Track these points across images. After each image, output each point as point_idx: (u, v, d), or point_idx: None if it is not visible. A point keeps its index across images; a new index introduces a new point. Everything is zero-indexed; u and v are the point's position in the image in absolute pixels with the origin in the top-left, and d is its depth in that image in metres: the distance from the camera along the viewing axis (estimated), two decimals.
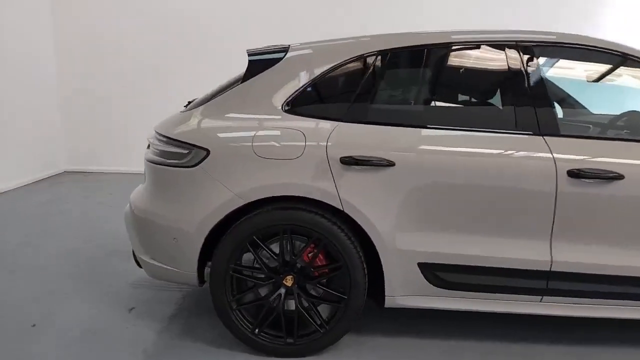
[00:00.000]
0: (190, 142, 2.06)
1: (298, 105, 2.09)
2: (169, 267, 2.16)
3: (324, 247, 2.03)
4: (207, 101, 2.24)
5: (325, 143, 1.99)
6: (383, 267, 2.02)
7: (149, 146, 2.47)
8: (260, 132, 2.03)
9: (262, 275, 2.11)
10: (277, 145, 2.02)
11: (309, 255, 2.06)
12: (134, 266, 3.08)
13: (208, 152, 2.03)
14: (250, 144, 2.01)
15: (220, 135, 2.09)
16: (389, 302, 2.09)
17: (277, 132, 2.05)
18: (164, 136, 2.16)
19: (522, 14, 5.46)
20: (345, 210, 1.98)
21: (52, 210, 4.42)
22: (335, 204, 1.97)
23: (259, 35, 5.86)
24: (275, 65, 2.15)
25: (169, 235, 2.10)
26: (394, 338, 2.31)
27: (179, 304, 2.64)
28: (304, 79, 2.10)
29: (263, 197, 1.99)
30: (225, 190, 2.00)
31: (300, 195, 1.98)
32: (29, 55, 5.55)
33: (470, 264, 2.01)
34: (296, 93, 2.09)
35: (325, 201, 1.97)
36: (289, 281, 2.10)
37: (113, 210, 4.38)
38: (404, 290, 2.07)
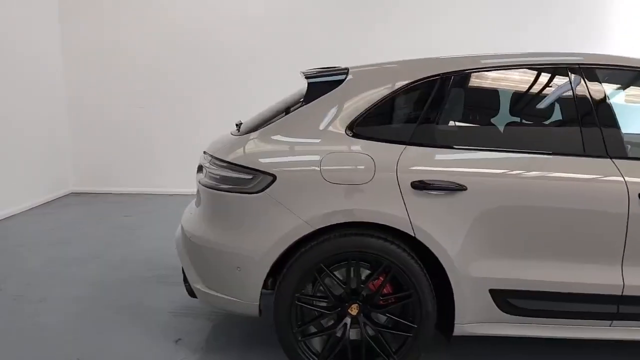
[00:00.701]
0: (255, 167, 2.01)
1: (363, 128, 2.05)
2: (229, 297, 2.08)
3: (392, 275, 1.98)
4: (264, 124, 2.20)
5: (395, 167, 1.95)
6: (454, 294, 1.97)
7: (200, 169, 2.41)
8: (328, 157, 1.99)
9: (328, 305, 2.05)
10: (347, 170, 1.98)
11: (373, 283, 2.01)
12: (170, 293, 3.02)
13: (274, 177, 1.98)
14: (318, 168, 1.97)
15: (286, 160, 2.05)
16: (457, 331, 2.03)
17: (346, 157, 2.01)
18: (225, 161, 2.10)
19: (530, 33, 5.56)
20: (417, 237, 1.93)
21: (69, 235, 4.28)
22: (407, 230, 1.93)
23: (276, 56, 5.93)
24: (337, 88, 2.12)
25: (232, 264, 2.03)
26: None
27: (225, 333, 2.54)
28: (367, 101, 2.07)
29: (332, 223, 1.94)
30: (293, 216, 1.95)
31: (371, 221, 1.94)
32: (38, 68, 5.46)
33: (542, 289, 1.98)
34: (360, 116, 2.05)
35: (397, 227, 1.93)
36: (354, 310, 2.03)
37: (134, 234, 4.27)
38: (474, 317, 2.02)
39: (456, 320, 2.01)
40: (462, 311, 1.99)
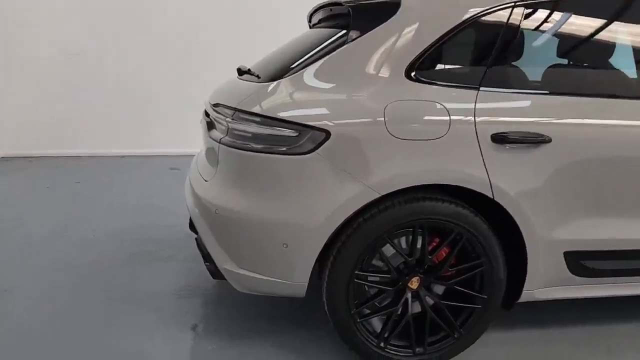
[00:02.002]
0: (303, 122, 1.62)
1: (425, 69, 1.71)
2: (271, 279, 1.73)
3: (463, 243, 1.74)
4: (294, 68, 1.79)
5: (473, 117, 1.66)
6: (528, 259, 1.78)
7: (211, 125, 1.96)
8: (392, 107, 1.64)
9: (390, 280, 1.78)
10: (417, 122, 1.65)
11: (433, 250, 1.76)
12: (163, 272, 2.61)
13: (327, 134, 1.61)
14: (382, 120, 1.62)
15: (340, 111, 1.67)
16: (525, 297, 1.87)
17: (413, 106, 1.67)
18: (258, 115, 1.68)
19: None
20: (496, 199, 1.69)
21: (15, 210, 3.59)
22: (485, 191, 1.67)
23: None
24: (390, 20, 1.73)
25: (276, 240, 1.67)
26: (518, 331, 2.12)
27: (244, 313, 2.21)
28: (429, 36, 1.70)
29: (403, 187, 1.63)
30: (353, 181, 1.61)
31: (448, 183, 1.66)
32: None
33: (616, 248, 1.85)
34: (422, 54, 1.69)
35: (474, 189, 1.67)
36: (414, 283, 1.79)
37: (94, 204, 3.67)
38: (544, 282, 1.85)
39: (525, 287, 1.84)
40: (533, 276, 1.82)
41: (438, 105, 1.66)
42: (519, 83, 1.78)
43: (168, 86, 5.14)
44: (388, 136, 1.61)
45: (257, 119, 1.69)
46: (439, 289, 1.86)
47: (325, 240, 1.65)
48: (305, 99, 1.71)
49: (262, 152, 1.66)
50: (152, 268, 2.64)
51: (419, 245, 1.73)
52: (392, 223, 1.66)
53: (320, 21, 2.25)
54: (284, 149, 1.64)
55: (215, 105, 1.97)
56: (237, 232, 1.74)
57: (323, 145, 1.60)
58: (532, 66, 1.85)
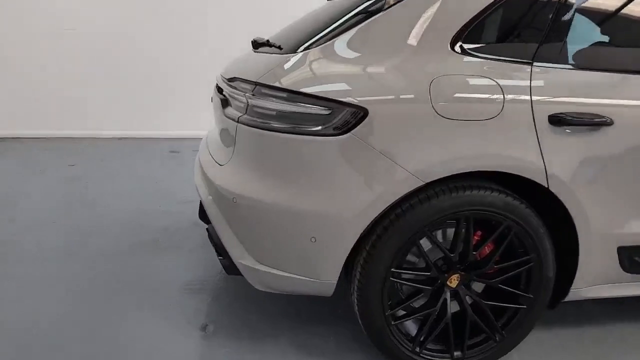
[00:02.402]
0: (337, 98, 1.41)
1: (473, 40, 1.50)
2: (296, 276, 1.54)
3: (511, 238, 1.56)
4: (325, 37, 1.57)
5: (529, 95, 1.46)
6: (580, 255, 1.60)
7: (226, 103, 1.75)
8: (439, 82, 1.43)
9: (429, 278, 1.60)
10: (468, 100, 1.45)
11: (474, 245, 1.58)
12: (169, 263, 2.42)
13: (365, 112, 1.40)
14: (428, 97, 1.42)
15: (380, 87, 1.46)
16: (572, 296, 1.70)
17: (462, 82, 1.46)
18: (284, 90, 1.47)
19: None
20: (551, 188, 1.50)
21: (4, 194, 3.37)
22: (539, 179, 1.48)
23: None
24: None
25: (303, 233, 1.48)
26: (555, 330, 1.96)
27: (259, 311, 2.01)
28: (478, 1, 1.50)
29: (451, 174, 1.43)
30: (393, 166, 1.41)
31: (501, 170, 1.46)
32: None
33: None
34: (470, 23, 1.47)
35: (529, 177, 1.47)
36: (453, 281, 1.61)
37: (90, 189, 3.44)
38: (593, 279, 1.68)
39: (574, 285, 1.67)
40: (583, 274, 1.64)
41: (490, 82, 1.45)
42: (578, 58, 1.57)
43: (167, 64, 4.87)
44: (434, 115, 1.41)
45: (283, 95, 1.48)
46: (478, 287, 1.69)
47: (359, 234, 1.46)
48: (338, 72, 1.49)
49: (287, 132, 1.46)
50: (156, 259, 2.44)
51: (461, 240, 1.55)
52: (435, 215, 1.46)
53: None
54: (314, 129, 1.43)
55: (231, 80, 1.75)
56: (259, 223, 1.54)
57: (359, 125, 1.40)
58: (592, 40, 1.64)
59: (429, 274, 1.57)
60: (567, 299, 1.71)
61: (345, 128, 1.41)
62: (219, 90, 1.92)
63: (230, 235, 1.62)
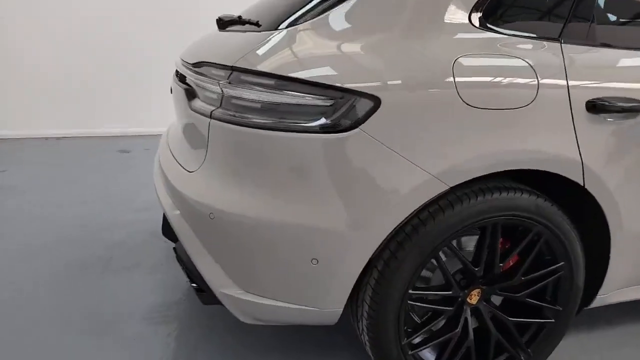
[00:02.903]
0: (341, 85, 1.13)
1: (494, 15, 1.25)
2: (292, 306, 1.25)
3: (540, 245, 1.34)
4: (316, 9, 1.27)
5: (564, 80, 1.24)
6: (611, 258, 1.42)
7: (192, 94, 1.42)
8: (462, 63, 1.17)
9: (449, 296, 1.35)
10: (497, 84, 1.19)
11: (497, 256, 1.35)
12: (128, 285, 2.05)
13: (376, 102, 1.13)
14: (452, 81, 1.16)
15: (395, 69, 1.17)
16: (597, 302, 1.52)
17: (490, 63, 1.21)
18: (273, 76, 1.16)
19: None
20: (587, 186, 1.29)
21: None
22: (576, 177, 1.27)
23: None
24: None
25: (302, 254, 1.18)
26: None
27: (239, 343, 1.71)
28: None
29: (479, 174, 1.19)
30: (412, 168, 1.14)
31: (537, 168, 1.23)
32: None
33: None
34: None
35: (564, 174, 1.26)
36: (474, 297, 1.38)
37: (30, 199, 2.95)
38: (620, 284, 1.51)
39: (601, 291, 1.49)
40: (612, 279, 1.47)
41: (520, 62, 1.22)
42: (613, 37, 1.37)
43: (110, 56, 4.36)
44: (460, 104, 1.15)
45: (269, 82, 1.17)
46: (496, 300, 1.47)
47: (372, 253, 1.19)
48: (338, 52, 1.19)
49: (276, 129, 1.15)
50: (111, 282, 2.04)
51: (486, 250, 1.32)
52: (459, 224, 1.21)
53: None
54: (311, 124, 1.13)
55: (197, 65, 1.42)
56: (243, 244, 1.22)
57: (370, 118, 1.12)
58: (629, 15, 1.44)
59: (450, 292, 1.33)
60: (592, 305, 1.54)
61: (351, 122, 1.13)
62: (181, 78, 1.57)
63: (206, 259, 1.30)
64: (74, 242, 2.38)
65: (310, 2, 1.33)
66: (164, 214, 1.62)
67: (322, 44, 1.21)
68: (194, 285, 1.42)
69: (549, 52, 1.25)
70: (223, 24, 1.61)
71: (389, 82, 1.14)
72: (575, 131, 1.24)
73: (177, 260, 1.50)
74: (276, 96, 1.16)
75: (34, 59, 4.23)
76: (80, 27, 4.24)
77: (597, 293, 1.49)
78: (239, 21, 1.50)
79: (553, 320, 1.44)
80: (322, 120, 1.13)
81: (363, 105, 1.12)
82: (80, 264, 2.18)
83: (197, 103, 1.37)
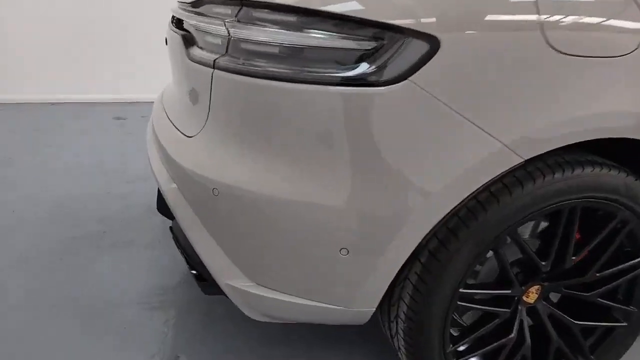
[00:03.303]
0: (387, 21, 0.84)
1: None
2: (313, 303, 1.00)
3: (626, 235, 1.09)
4: None
5: None
6: None
7: (190, 41, 1.14)
8: None
9: (496, 297, 1.11)
10: (595, 26, 0.91)
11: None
12: (122, 265, 1.84)
13: (434, 44, 0.84)
14: (536, 20, 0.86)
15: (457, 2, 0.87)
16: None
17: None
18: (296, 9, 0.87)
19: None
20: None
21: None
22: None
23: None
24: None
25: (329, 242, 0.93)
26: None
27: (242, 333, 1.49)
28: None
29: (566, 144, 0.92)
30: (478, 134, 0.87)
31: (628, 136, 0.97)
32: None
33: None
34: None
35: None
36: (532, 295, 1.14)
37: (21, 167, 2.68)
38: None
39: None
40: None
41: None
42: None
43: (103, 16, 4.02)
44: (546, 50, 0.87)
45: (291, 18, 0.89)
46: (554, 297, 1.23)
47: (420, 240, 0.94)
48: None
49: (299, 81, 0.88)
50: (102, 261, 1.81)
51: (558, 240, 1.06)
52: (529, 208, 0.95)
53: None
54: (345, 74, 0.86)
55: (196, 3, 1.14)
56: (256, 228, 0.97)
57: (425, 66, 0.84)
58: None
59: (509, 291, 1.08)
60: None
61: (400, 72, 0.85)
62: (178, 24, 1.29)
63: (209, 243, 1.04)
64: (66, 216, 2.14)
65: None
66: (158, 188, 1.37)
67: None
68: (194, 272, 1.18)
69: None
70: None
71: (450, 18, 0.85)
72: None
73: (174, 241, 1.26)
74: (298, 37, 0.88)
75: (22, 27, 3.91)
76: None
77: None
78: None
79: (625, 324, 1.20)
80: (359, 70, 0.85)
81: (415, 49, 0.84)
82: (72, 239, 1.95)
83: (196, 51, 1.09)
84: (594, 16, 0.91)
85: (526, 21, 0.87)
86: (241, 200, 0.96)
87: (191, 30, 1.15)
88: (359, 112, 0.87)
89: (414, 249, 0.94)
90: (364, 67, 0.86)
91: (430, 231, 0.92)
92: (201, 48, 1.08)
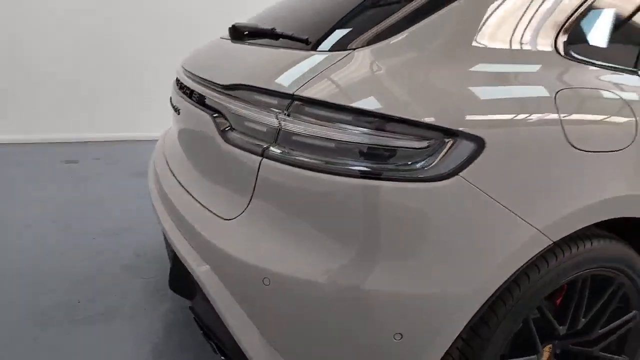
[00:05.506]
0: (440, 125, 0.92)
1: (577, 43, 1.13)
2: None
3: (620, 296, 1.24)
4: (383, 29, 1.05)
5: None
6: None
7: (225, 131, 1.14)
8: (568, 97, 1.02)
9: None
10: (601, 123, 1.06)
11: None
12: (104, 345, 1.65)
13: (480, 144, 0.93)
14: (557, 118, 0.99)
15: (496, 105, 0.97)
16: None
17: (594, 96, 1.08)
18: (353, 110, 0.92)
19: None
20: None
21: None
22: None
23: None
24: None
25: (384, 328, 0.95)
26: None
27: None
28: None
29: (585, 225, 1.04)
30: (517, 221, 0.96)
31: (637, 215, 1.11)
32: None
33: None
34: (574, 18, 1.10)
35: None
36: (545, 355, 1.24)
37: None
38: None
39: None
40: None
41: (615, 97, 1.10)
42: None
43: (50, 44, 3.79)
44: (565, 145, 1.00)
45: (347, 117, 0.94)
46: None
47: (467, 322, 1.00)
48: (426, 84, 0.97)
49: (356, 176, 0.93)
50: (84, 337, 1.66)
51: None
52: (554, 282, 1.07)
53: None
54: (401, 170, 0.93)
55: (231, 87, 1.15)
56: (310, 317, 0.98)
57: (473, 163, 0.93)
58: None
59: (534, 356, 1.18)
60: None
61: (451, 168, 0.93)
62: (204, 103, 1.28)
63: (253, 333, 1.03)
64: (29, 285, 1.93)
65: (375, 14, 1.11)
66: (174, 261, 1.31)
67: (405, 73, 0.98)
68: (223, 358, 1.14)
69: (632, 84, 1.15)
70: (240, 34, 1.35)
71: (491, 119, 0.95)
72: None
73: (197, 324, 1.21)
74: (356, 136, 0.93)
75: None
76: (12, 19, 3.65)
77: None
78: (272, 34, 1.24)
79: None
80: (413, 166, 0.92)
81: (465, 148, 0.93)
82: (41, 313, 1.76)
83: (235, 135, 1.10)
84: (599, 113, 1.07)
85: (549, 118, 0.99)
86: (294, 290, 0.97)
87: (224, 112, 1.15)
88: (413, 205, 0.93)
89: (461, 330, 1.00)
90: (418, 164, 0.92)
91: (477, 312, 1.00)
92: (242, 133, 1.08)
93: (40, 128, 3.84)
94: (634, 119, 1.09)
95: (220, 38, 1.62)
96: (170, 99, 1.64)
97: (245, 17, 1.63)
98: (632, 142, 1.08)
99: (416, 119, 0.91)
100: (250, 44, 1.34)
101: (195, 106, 1.28)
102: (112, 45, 3.88)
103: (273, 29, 1.26)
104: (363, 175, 0.92)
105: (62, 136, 3.87)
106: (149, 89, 4.05)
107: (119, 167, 3.46)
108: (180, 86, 1.46)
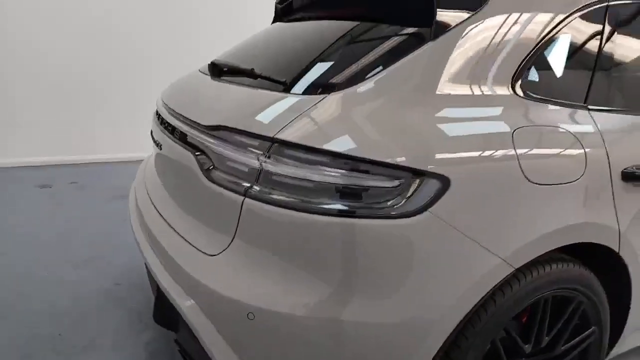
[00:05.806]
0: (409, 165, 1.00)
1: (532, 82, 1.22)
2: None
3: (580, 314, 1.33)
4: (358, 74, 1.14)
5: (604, 149, 1.24)
6: (630, 316, 1.46)
7: (208, 170, 1.19)
8: (521, 136, 1.12)
9: None
10: (553, 158, 1.16)
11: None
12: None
13: (445, 182, 1.02)
14: (514, 154, 1.09)
15: (459, 144, 1.06)
16: (611, 355, 1.56)
17: (542, 135, 1.17)
18: (329, 153, 0.99)
19: None
20: (621, 253, 1.30)
21: None
22: (614, 245, 1.28)
23: None
24: (477, 15, 1.20)
25: (368, 356, 1.02)
26: None
27: None
28: (538, 31, 1.21)
29: (543, 252, 1.13)
30: (482, 252, 1.05)
31: (588, 241, 1.21)
32: None
33: None
34: (526, 62, 1.20)
35: (607, 244, 1.26)
36: None
37: None
38: (632, 334, 1.57)
39: (615, 348, 1.53)
40: (627, 334, 1.51)
41: (568, 132, 1.20)
42: (635, 101, 1.42)
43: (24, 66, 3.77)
44: (522, 179, 1.09)
45: (324, 159, 1.01)
46: None
47: (440, 346, 1.07)
48: (396, 126, 1.05)
49: (332, 214, 1.00)
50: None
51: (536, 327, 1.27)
52: (518, 305, 1.15)
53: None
54: (376, 209, 1.00)
55: (213, 128, 1.20)
56: (292, 348, 1.04)
57: (440, 199, 1.02)
58: None
59: None
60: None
61: (420, 205, 1.01)
62: (182, 137, 1.33)
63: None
64: (3, 317, 1.91)
65: (349, 59, 1.19)
66: (158, 294, 1.34)
67: (376, 116, 1.06)
68: None
69: (582, 120, 1.26)
70: (220, 71, 1.41)
71: (455, 158, 1.04)
72: (614, 201, 1.25)
73: (182, 357, 1.25)
74: (332, 177, 1.00)
75: None
76: None
77: (612, 349, 1.53)
78: (251, 74, 1.31)
79: None
80: (385, 204, 1.00)
81: (432, 186, 1.01)
82: (19, 348, 1.75)
83: (218, 175, 1.15)
84: (551, 148, 1.17)
85: (505, 156, 1.08)
86: (277, 324, 1.02)
87: (207, 151, 1.20)
88: (389, 239, 1.00)
89: (436, 352, 1.07)
90: (390, 202, 1.00)
91: (449, 336, 1.07)
92: (224, 172, 1.14)
93: (11, 152, 3.79)
94: (583, 151, 1.20)
95: (199, 71, 1.67)
96: (151, 132, 1.68)
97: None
98: (583, 174, 1.18)
99: (387, 161, 0.99)
100: (229, 82, 1.40)
101: (178, 143, 1.32)
102: (85, 69, 3.88)
103: (252, 69, 1.33)
104: (339, 213, 0.99)
105: (35, 160, 3.82)
106: (124, 110, 4.05)
107: (95, 191, 3.44)
108: (162, 121, 1.51)
